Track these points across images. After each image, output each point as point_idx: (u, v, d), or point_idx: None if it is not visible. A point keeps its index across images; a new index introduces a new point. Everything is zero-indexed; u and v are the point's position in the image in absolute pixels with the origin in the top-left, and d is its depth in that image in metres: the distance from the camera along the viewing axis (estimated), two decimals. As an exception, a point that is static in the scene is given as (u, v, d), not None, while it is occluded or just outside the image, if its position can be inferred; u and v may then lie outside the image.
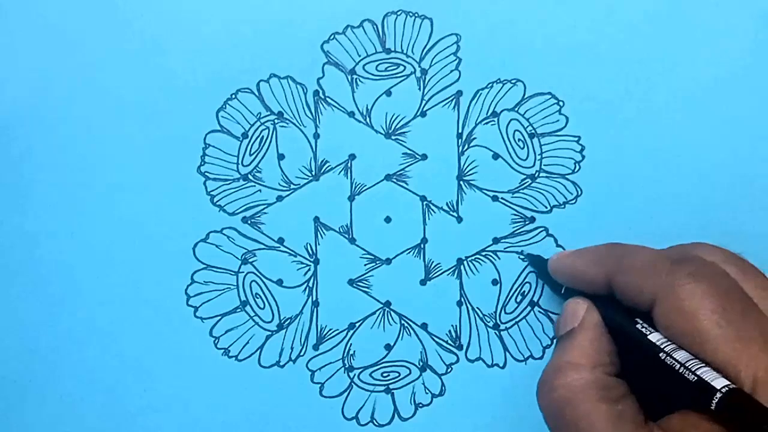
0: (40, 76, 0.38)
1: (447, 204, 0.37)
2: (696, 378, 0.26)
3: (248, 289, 0.37)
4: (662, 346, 0.28)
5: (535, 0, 0.37)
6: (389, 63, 0.38)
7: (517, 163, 0.37)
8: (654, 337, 0.28)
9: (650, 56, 0.37)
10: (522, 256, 0.36)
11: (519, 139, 0.37)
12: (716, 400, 0.25)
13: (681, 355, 0.27)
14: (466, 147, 0.37)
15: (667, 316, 0.28)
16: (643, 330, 0.29)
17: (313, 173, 0.37)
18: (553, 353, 0.31)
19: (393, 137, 0.37)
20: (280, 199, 0.37)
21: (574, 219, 0.37)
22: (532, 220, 0.37)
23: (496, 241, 0.37)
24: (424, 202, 0.37)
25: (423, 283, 0.37)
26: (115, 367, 0.37)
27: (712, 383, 0.25)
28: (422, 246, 0.37)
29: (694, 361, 0.26)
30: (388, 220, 0.37)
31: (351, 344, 0.37)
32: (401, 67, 0.38)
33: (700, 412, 0.26)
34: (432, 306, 0.37)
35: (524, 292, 0.37)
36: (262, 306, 0.37)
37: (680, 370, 0.26)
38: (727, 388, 0.25)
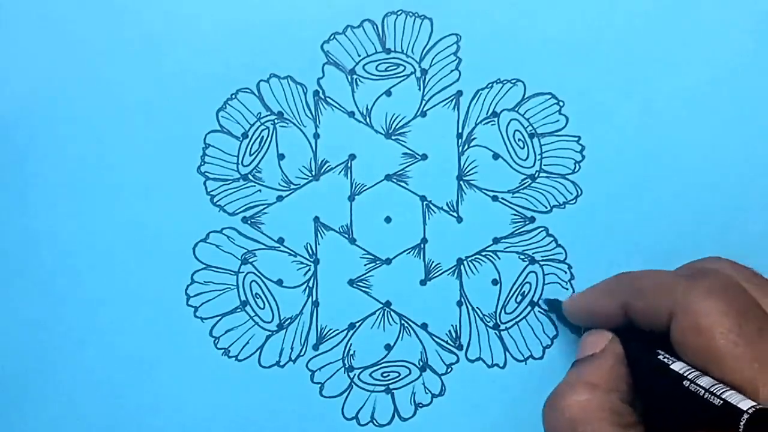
0: (40, 76, 0.38)
1: (447, 204, 0.37)
2: (722, 402, 0.26)
3: (248, 289, 0.37)
4: (685, 374, 0.28)
5: (535, 0, 0.37)
6: (389, 63, 0.38)
7: (517, 163, 0.37)
8: (677, 366, 0.28)
9: (650, 56, 0.37)
10: (542, 306, 0.37)
11: (519, 139, 0.37)
12: (744, 421, 0.25)
13: (705, 381, 0.27)
14: (466, 147, 0.37)
15: (683, 334, 0.28)
16: (665, 360, 0.29)
17: (313, 173, 0.37)
18: (568, 373, 0.31)
19: (393, 137, 0.37)
20: (280, 199, 0.37)
21: (574, 219, 0.37)
22: (532, 220, 0.37)
23: (496, 241, 0.37)
24: (424, 202, 0.37)
25: (423, 283, 0.37)
26: (115, 367, 0.37)
27: (738, 405, 0.25)
28: (422, 246, 0.37)
29: (718, 385, 0.26)
30: (388, 220, 0.37)
31: (351, 344, 0.37)
32: (401, 67, 0.38)
33: None
34: (432, 306, 0.37)
35: (524, 292, 0.37)
36: (262, 306, 0.37)
37: (705, 396, 0.26)
38: (753, 409, 0.25)
